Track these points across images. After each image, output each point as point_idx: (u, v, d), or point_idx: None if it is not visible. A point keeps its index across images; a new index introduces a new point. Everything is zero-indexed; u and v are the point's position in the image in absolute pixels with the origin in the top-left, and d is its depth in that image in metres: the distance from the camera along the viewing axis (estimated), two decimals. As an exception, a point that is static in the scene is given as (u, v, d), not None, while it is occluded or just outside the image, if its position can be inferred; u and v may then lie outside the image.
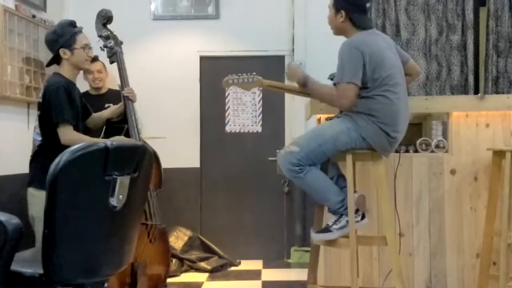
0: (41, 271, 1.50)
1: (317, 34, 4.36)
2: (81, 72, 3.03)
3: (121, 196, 1.60)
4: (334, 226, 2.52)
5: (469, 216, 2.92)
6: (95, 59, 3.59)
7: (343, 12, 2.53)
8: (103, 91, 4.26)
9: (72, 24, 2.83)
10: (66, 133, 2.70)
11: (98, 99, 4.13)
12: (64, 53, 2.78)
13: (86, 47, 2.82)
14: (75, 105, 2.80)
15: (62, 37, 2.76)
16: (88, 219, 1.55)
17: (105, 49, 3.12)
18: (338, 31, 2.60)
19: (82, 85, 4.45)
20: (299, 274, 3.96)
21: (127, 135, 3.04)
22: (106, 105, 4.05)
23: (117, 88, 4.01)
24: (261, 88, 4.70)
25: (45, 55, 3.86)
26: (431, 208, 2.94)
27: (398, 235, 2.81)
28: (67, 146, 2.63)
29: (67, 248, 1.50)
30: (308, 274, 2.82)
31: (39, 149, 2.84)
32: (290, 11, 4.68)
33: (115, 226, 1.66)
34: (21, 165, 2.93)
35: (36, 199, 2.80)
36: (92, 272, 1.60)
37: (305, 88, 2.53)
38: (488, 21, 4.35)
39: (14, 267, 1.46)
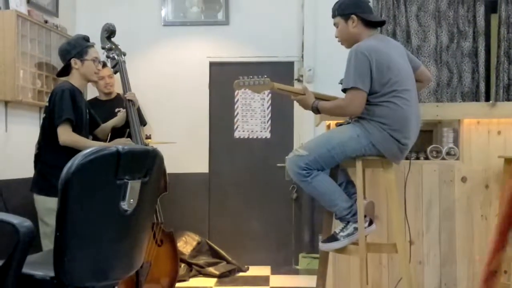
0: (52, 273, 1.51)
1: (327, 40, 4.35)
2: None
3: (132, 200, 1.61)
4: (341, 234, 2.50)
5: (480, 224, 2.89)
6: (104, 65, 3.75)
7: (354, 17, 2.54)
8: (113, 96, 4.30)
9: (85, 38, 3.01)
10: (65, 133, 2.77)
11: (108, 104, 4.18)
12: (75, 63, 2.93)
13: (96, 60, 2.98)
14: (79, 111, 2.87)
15: (75, 48, 2.93)
16: (100, 223, 1.56)
17: (108, 59, 3.35)
18: (351, 39, 2.58)
19: (91, 91, 4.51)
20: (308, 281, 3.94)
21: (129, 138, 3.16)
22: (116, 109, 4.10)
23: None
24: (270, 94, 4.71)
25: (57, 60, 3.89)
26: (441, 216, 2.91)
27: (408, 243, 2.79)
28: (63, 148, 2.72)
29: (78, 251, 1.51)
30: (317, 281, 2.81)
31: (37, 152, 2.90)
32: (300, 17, 4.69)
33: (126, 230, 1.66)
34: (33, 169, 2.97)
35: (39, 204, 2.85)
36: (103, 275, 1.61)
37: (319, 112, 2.56)
38: (500, 28, 4.32)
39: (25, 269, 1.47)
